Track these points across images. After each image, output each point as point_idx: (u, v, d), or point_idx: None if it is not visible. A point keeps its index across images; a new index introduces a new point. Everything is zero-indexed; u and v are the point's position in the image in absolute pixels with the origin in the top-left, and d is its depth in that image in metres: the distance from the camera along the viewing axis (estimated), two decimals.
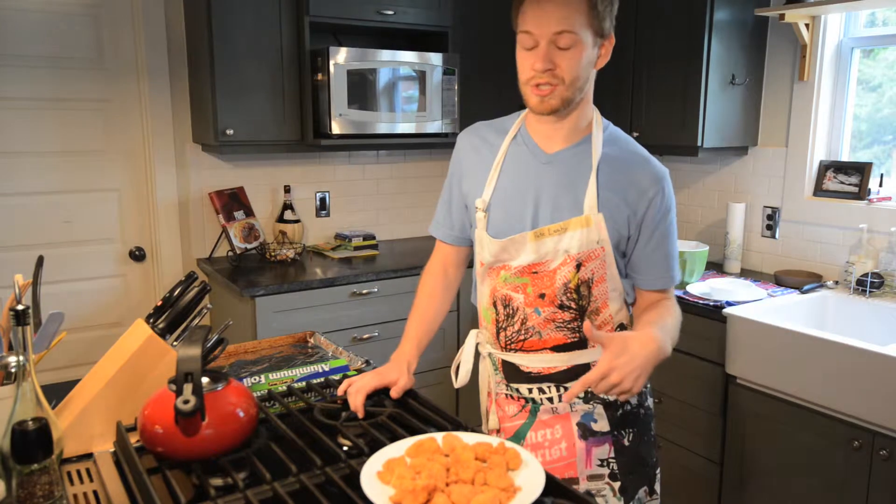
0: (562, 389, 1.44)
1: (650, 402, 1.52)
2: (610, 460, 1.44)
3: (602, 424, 1.44)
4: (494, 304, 1.45)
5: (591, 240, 1.36)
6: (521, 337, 1.43)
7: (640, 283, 1.44)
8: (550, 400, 1.45)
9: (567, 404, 1.44)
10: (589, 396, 1.44)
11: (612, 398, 1.44)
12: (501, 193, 1.42)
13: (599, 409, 1.44)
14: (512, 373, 1.47)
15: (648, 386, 1.52)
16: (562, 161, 1.39)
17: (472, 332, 1.57)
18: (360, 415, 1.30)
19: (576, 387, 1.18)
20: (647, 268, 1.42)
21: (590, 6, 1.27)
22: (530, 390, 1.46)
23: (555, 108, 1.33)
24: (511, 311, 1.43)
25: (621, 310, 1.44)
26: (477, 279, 1.51)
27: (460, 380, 1.55)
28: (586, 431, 1.44)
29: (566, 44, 1.27)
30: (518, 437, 1.48)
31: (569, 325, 1.41)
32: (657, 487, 1.51)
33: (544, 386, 1.45)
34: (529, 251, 1.38)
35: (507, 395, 1.50)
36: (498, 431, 1.53)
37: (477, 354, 1.56)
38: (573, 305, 1.39)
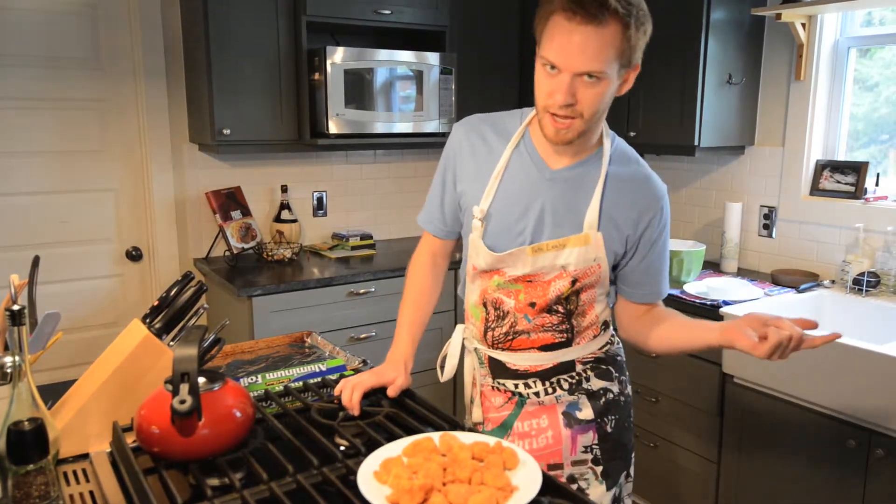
0: (547, 384, 1.45)
1: (629, 389, 1.54)
2: (594, 446, 1.46)
3: (587, 413, 1.46)
4: (484, 305, 1.45)
5: (589, 258, 1.37)
6: (510, 338, 1.44)
7: (629, 296, 1.47)
8: (537, 394, 1.46)
9: (553, 397, 1.45)
10: (573, 388, 1.45)
11: (603, 386, 1.47)
12: (500, 204, 1.40)
13: (584, 398, 1.46)
14: (498, 369, 1.48)
15: (627, 374, 1.54)
16: (566, 178, 1.38)
17: (459, 327, 1.56)
18: (356, 412, 1.29)
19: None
20: (639, 283, 1.44)
21: (624, 38, 1.20)
22: (516, 385, 1.47)
23: (570, 140, 1.30)
24: (501, 314, 1.43)
25: (605, 309, 1.47)
26: (466, 278, 1.50)
27: (446, 374, 1.55)
28: (571, 420, 1.45)
29: (592, 80, 1.21)
30: (505, 426, 1.48)
31: (557, 328, 1.42)
32: (632, 471, 1.55)
33: (530, 381, 1.46)
34: (526, 264, 1.39)
35: (493, 387, 1.50)
36: (481, 424, 1.53)
37: (463, 348, 1.56)
38: (560, 309, 1.41)
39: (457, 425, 1.22)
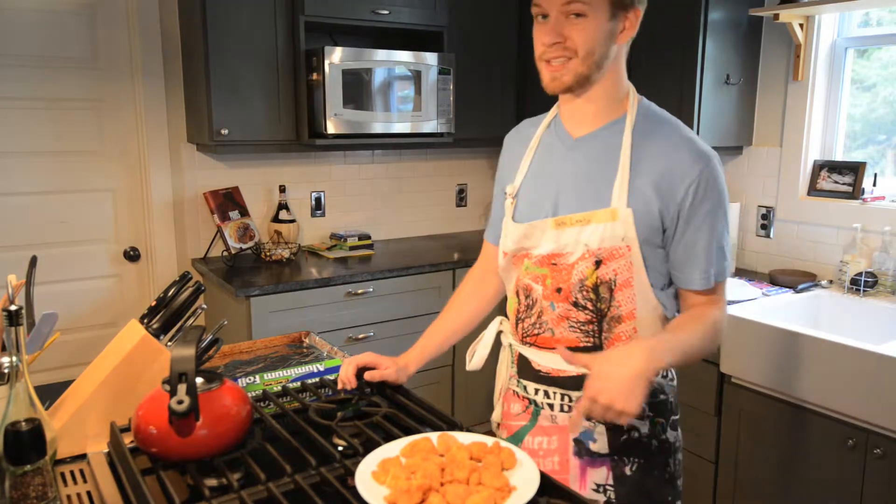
0: (566, 398, 1.37)
1: (670, 435, 1.36)
2: (607, 487, 1.34)
3: (600, 445, 1.34)
4: (517, 293, 1.41)
5: (616, 236, 1.25)
6: (536, 331, 1.37)
7: (678, 281, 1.31)
8: (551, 406, 1.38)
9: (567, 416, 1.37)
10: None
11: (617, 422, 1.38)
12: (529, 181, 1.39)
13: (600, 428, 1.34)
14: (524, 367, 1.42)
15: (675, 418, 1.39)
16: (587, 146, 1.32)
17: (497, 319, 1.52)
18: (353, 385, 1.34)
19: (575, 416, 1.15)
20: (684, 264, 1.28)
21: None
22: (536, 391, 1.40)
23: (568, 84, 1.25)
24: (530, 302, 1.38)
25: (648, 317, 1.30)
26: (503, 274, 1.47)
27: (473, 364, 1.52)
28: (582, 449, 1.35)
29: (576, 14, 1.21)
30: (517, 438, 1.44)
31: (583, 328, 1.32)
32: None
33: (550, 390, 1.38)
34: (550, 239, 1.32)
35: (514, 391, 1.46)
36: (499, 426, 1.50)
37: (499, 343, 1.52)
38: (589, 306, 1.30)
39: (455, 425, 1.21)
